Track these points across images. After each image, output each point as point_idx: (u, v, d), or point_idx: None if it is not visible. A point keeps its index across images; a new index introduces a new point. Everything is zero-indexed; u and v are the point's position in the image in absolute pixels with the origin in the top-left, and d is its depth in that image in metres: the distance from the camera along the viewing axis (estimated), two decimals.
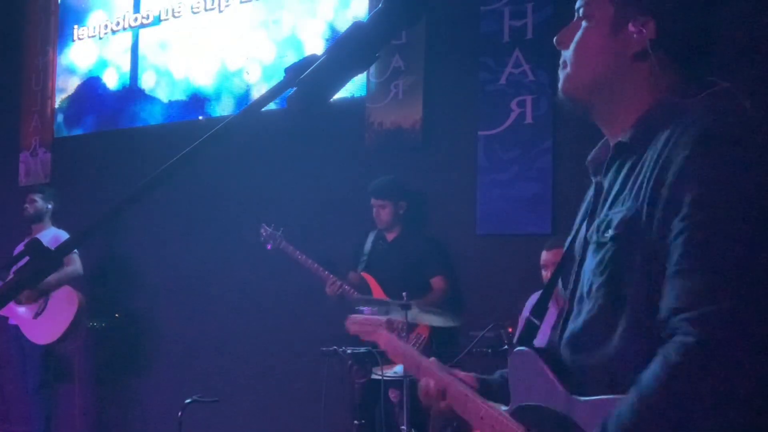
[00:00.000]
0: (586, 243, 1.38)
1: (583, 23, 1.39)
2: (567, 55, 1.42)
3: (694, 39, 1.35)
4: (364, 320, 2.18)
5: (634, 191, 1.24)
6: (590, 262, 1.32)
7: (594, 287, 1.29)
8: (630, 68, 1.35)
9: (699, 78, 1.32)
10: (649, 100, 1.34)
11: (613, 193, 1.32)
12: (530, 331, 1.51)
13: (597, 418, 1.20)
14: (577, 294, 1.35)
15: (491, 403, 1.48)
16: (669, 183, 1.17)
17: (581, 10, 1.40)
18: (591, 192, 1.46)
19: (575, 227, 1.50)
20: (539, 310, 1.53)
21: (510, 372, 1.49)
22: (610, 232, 1.26)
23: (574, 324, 1.35)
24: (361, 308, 2.25)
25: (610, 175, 1.37)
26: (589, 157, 1.47)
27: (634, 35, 1.33)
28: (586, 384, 1.28)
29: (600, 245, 1.29)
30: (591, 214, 1.40)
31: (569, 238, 1.51)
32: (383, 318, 2.09)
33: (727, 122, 1.21)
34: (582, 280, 1.35)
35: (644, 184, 1.22)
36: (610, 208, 1.30)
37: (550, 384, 1.34)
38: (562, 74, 1.43)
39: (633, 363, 1.21)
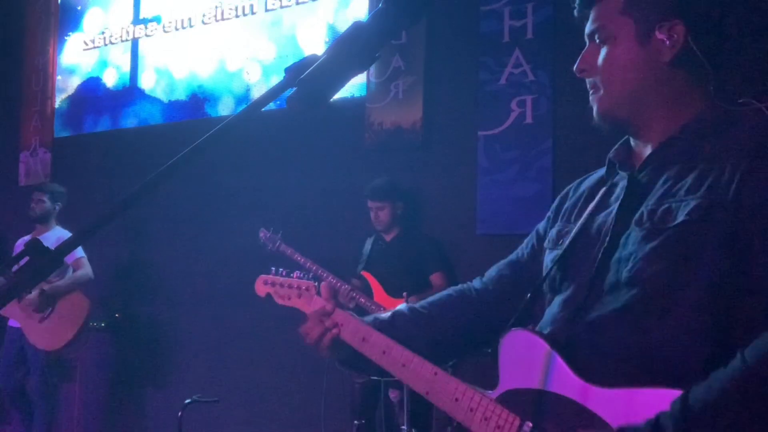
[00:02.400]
0: (617, 231, 1.34)
1: (605, 46, 1.38)
2: (595, 79, 1.40)
3: (724, 35, 1.35)
4: (283, 281, 1.88)
5: (703, 187, 1.24)
6: (636, 248, 1.28)
7: (646, 273, 1.25)
8: (668, 74, 1.34)
9: (733, 83, 1.36)
10: (692, 104, 1.35)
11: (666, 185, 1.30)
12: (526, 312, 1.49)
13: (628, 411, 1.17)
14: (606, 282, 1.31)
15: (466, 385, 1.42)
16: (762, 194, 1.19)
17: (597, 35, 1.39)
18: (609, 185, 1.44)
19: (576, 219, 1.48)
20: (533, 299, 1.50)
21: (502, 353, 1.42)
22: (680, 218, 1.24)
23: (600, 309, 1.31)
24: (277, 268, 2.00)
25: (648, 171, 1.36)
26: (612, 153, 1.47)
27: (666, 41, 1.32)
28: (607, 371, 1.25)
29: (656, 232, 1.26)
30: (625, 204, 1.36)
31: (569, 231, 1.47)
32: (312, 282, 1.82)
33: None
34: (612, 268, 1.31)
35: (725, 181, 1.22)
36: (663, 197, 1.29)
37: (560, 370, 1.30)
38: (594, 98, 1.41)
39: (677, 353, 1.20)
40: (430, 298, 1.71)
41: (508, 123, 4.51)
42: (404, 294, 3.80)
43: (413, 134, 4.85)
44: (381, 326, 1.62)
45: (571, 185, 1.60)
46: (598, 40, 1.39)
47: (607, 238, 1.35)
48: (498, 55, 4.56)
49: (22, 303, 5.05)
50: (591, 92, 1.42)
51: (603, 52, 1.38)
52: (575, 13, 1.45)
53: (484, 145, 4.58)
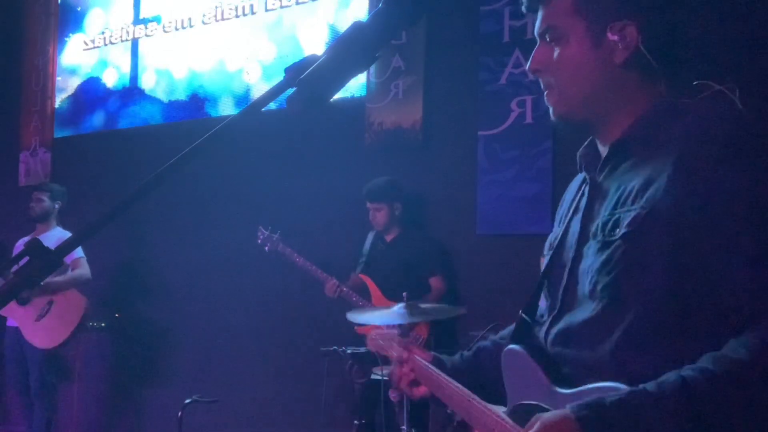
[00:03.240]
0: (581, 240, 1.37)
1: (557, 47, 1.37)
2: (549, 78, 1.40)
3: (676, 36, 1.34)
4: (380, 335, 2.14)
5: (649, 191, 1.24)
6: (593, 260, 1.30)
7: (599, 286, 1.27)
8: (621, 76, 1.34)
9: (685, 79, 1.34)
10: (644, 103, 1.34)
11: (618, 192, 1.30)
12: (523, 328, 1.51)
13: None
14: (578, 293, 1.34)
15: (491, 407, 1.48)
16: (705, 187, 1.18)
17: (548, 35, 1.38)
18: (583, 188, 1.45)
19: (562, 223, 1.49)
20: (530, 309, 1.52)
21: (504, 372, 1.49)
22: (621, 230, 1.25)
23: (569, 320, 1.34)
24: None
25: (606, 174, 1.37)
26: (580, 152, 1.47)
27: (618, 43, 1.32)
28: (574, 377, 1.29)
29: (606, 244, 1.28)
30: (587, 211, 1.39)
31: (556, 235, 1.49)
32: (395, 331, 2.06)
33: (739, 128, 1.22)
34: (580, 279, 1.34)
35: (664, 184, 1.21)
36: (615, 207, 1.29)
37: (537, 378, 1.35)
38: (550, 98, 1.41)
39: (633, 359, 1.22)
40: (508, 329, 1.75)
41: (508, 123, 4.51)
42: (404, 294, 3.80)
43: (413, 134, 4.85)
44: (466, 361, 1.74)
45: (568, 186, 1.61)
46: (549, 39, 1.38)
47: (574, 249, 1.38)
48: (498, 55, 4.57)
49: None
50: (545, 92, 1.42)
51: (556, 52, 1.37)
52: (523, 9, 1.44)
53: (484, 145, 4.58)
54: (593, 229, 1.33)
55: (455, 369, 1.70)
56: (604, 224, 1.30)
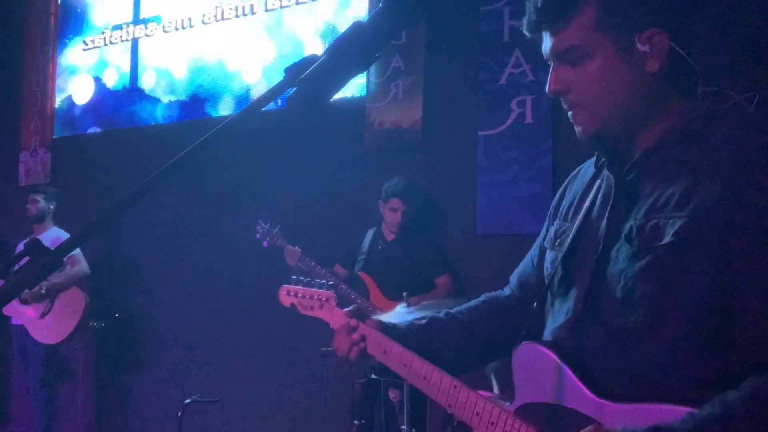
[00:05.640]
0: (608, 242, 1.33)
1: (580, 64, 1.33)
2: (576, 98, 1.36)
3: (702, 38, 1.34)
4: (304, 292, 1.98)
5: (694, 200, 1.21)
6: (626, 265, 1.28)
7: (637, 293, 1.25)
8: (655, 84, 1.32)
9: (709, 86, 1.34)
10: (678, 109, 1.33)
11: (653, 196, 1.28)
12: (538, 324, 1.49)
13: (640, 425, 1.19)
14: (607, 297, 1.31)
15: (490, 398, 1.47)
16: (758, 199, 1.17)
17: (569, 55, 1.34)
18: (599, 185, 1.42)
19: (572, 218, 1.46)
20: (540, 304, 1.50)
21: (516, 367, 1.45)
22: (667, 239, 1.22)
23: (601, 326, 1.31)
24: (300, 278, 2.07)
25: (636, 175, 1.34)
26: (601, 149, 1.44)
27: (648, 52, 1.29)
28: (614, 387, 1.27)
29: (646, 250, 1.25)
30: (613, 212, 1.35)
31: (563, 229, 1.47)
32: (331, 292, 1.96)
33: None
34: (610, 283, 1.30)
35: (715, 194, 1.19)
36: (650, 211, 1.27)
37: (573, 385, 1.31)
38: (579, 117, 1.37)
39: (674, 373, 1.21)
40: (467, 305, 1.75)
41: (508, 123, 4.51)
42: (404, 294, 3.80)
43: (413, 134, 4.85)
44: (417, 331, 1.69)
45: (567, 179, 1.59)
46: (569, 59, 1.34)
47: (600, 248, 1.34)
48: (498, 55, 4.56)
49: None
50: (571, 112, 1.38)
51: (580, 70, 1.33)
52: (525, 31, 1.40)
53: (484, 145, 4.58)
54: (626, 231, 1.29)
55: (404, 338, 1.67)
56: (640, 228, 1.27)
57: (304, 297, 1.96)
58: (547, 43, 1.37)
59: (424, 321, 1.72)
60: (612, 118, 1.34)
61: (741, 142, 1.21)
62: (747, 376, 1.13)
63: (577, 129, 1.38)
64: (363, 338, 1.69)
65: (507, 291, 1.74)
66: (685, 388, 1.18)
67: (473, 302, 1.76)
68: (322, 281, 2.04)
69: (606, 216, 1.36)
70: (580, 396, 1.30)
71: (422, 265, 4.45)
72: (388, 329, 1.69)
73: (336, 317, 1.83)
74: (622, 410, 1.23)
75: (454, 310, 1.73)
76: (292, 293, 2.00)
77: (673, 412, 1.16)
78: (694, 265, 1.19)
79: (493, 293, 1.76)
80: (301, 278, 2.05)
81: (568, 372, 1.32)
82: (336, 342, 1.75)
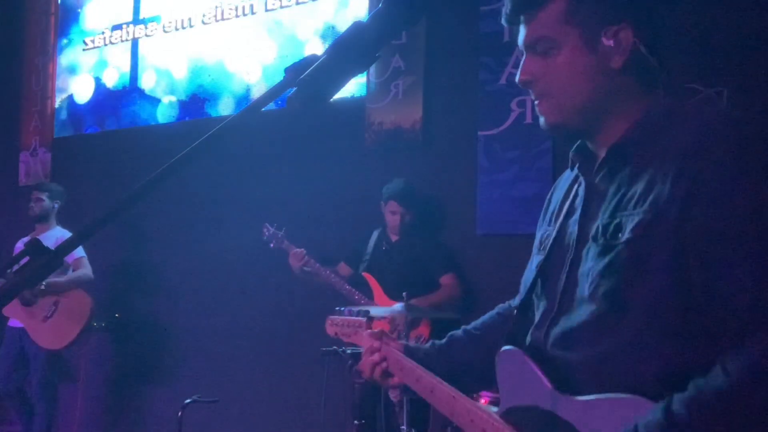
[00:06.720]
0: (580, 242, 1.36)
1: (548, 56, 1.36)
2: (542, 88, 1.38)
3: (665, 37, 1.34)
4: (342, 321, 2.12)
5: (651, 196, 1.23)
6: (593, 264, 1.30)
7: (601, 290, 1.27)
8: (618, 80, 1.33)
9: (676, 81, 1.34)
10: (641, 106, 1.34)
11: (618, 195, 1.30)
12: (518, 329, 1.51)
13: (594, 418, 1.21)
14: (577, 296, 1.33)
15: (481, 405, 1.49)
16: (709, 193, 1.17)
17: (538, 46, 1.37)
18: (576, 189, 1.44)
19: (554, 223, 1.48)
20: (524, 308, 1.52)
21: (498, 373, 1.48)
22: (625, 235, 1.25)
23: (568, 323, 1.34)
24: (341, 308, 2.20)
25: (603, 175, 1.36)
26: (573, 151, 1.45)
27: (614, 47, 1.31)
28: (576, 382, 1.29)
29: (608, 248, 1.27)
30: (584, 213, 1.38)
31: (547, 234, 1.49)
32: (363, 318, 2.06)
33: (748, 131, 1.21)
34: (580, 282, 1.33)
35: (669, 189, 1.21)
36: (615, 210, 1.29)
37: (537, 382, 1.34)
38: (542, 107, 1.39)
39: (634, 365, 1.22)
40: (481, 319, 1.78)
41: (508, 123, 4.51)
42: (404, 294, 3.80)
43: (413, 134, 4.85)
44: (439, 353, 1.75)
45: (554, 184, 1.61)
46: (539, 50, 1.37)
47: (573, 250, 1.37)
48: (498, 55, 4.56)
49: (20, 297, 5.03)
50: (536, 101, 1.40)
51: (548, 61, 1.36)
52: (504, 21, 1.43)
53: (484, 145, 4.58)
54: (593, 231, 1.32)
55: (428, 358, 1.72)
56: (605, 227, 1.29)
57: (342, 326, 2.09)
58: (521, 33, 1.41)
59: (443, 341, 1.78)
60: (574, 110, 1.35)
61: (696, 138, 1.22)
62: (707, 368, 1.14)
63: (540, 119, 1.41)
64: (384, 359, 1.76)
65: (516, 300, 1.77)
66: (645, 381, 1.19)
67: (487, 316, 1.79)
68: (359, 309, 2.18)
69: (578, 220, 1.39)
70: (540, 391, 1.33)
71: (426, 265, 4.45)
72: (411, 351, 1.75)
73: (364, 341, 1.92)
74: (577, 403, 1.26)
75: (470, 326, 1.77)
76: (334, 323, 2.14)
77: (634, 403, 1.17)
78: (651, 260, 1.21)
79: (505, 304, 1.79)
80: (342, 309, 2.20)
81: (534, 368, 1.36)
82: (361, 364, 1.84)
